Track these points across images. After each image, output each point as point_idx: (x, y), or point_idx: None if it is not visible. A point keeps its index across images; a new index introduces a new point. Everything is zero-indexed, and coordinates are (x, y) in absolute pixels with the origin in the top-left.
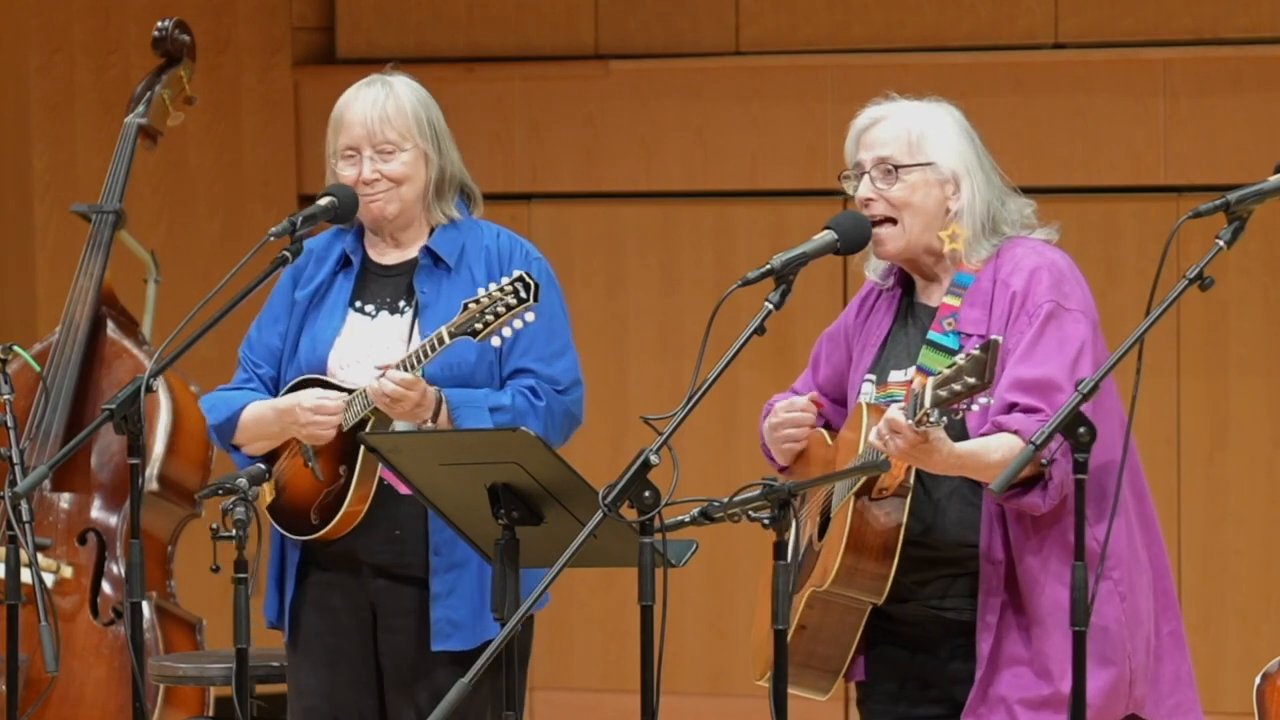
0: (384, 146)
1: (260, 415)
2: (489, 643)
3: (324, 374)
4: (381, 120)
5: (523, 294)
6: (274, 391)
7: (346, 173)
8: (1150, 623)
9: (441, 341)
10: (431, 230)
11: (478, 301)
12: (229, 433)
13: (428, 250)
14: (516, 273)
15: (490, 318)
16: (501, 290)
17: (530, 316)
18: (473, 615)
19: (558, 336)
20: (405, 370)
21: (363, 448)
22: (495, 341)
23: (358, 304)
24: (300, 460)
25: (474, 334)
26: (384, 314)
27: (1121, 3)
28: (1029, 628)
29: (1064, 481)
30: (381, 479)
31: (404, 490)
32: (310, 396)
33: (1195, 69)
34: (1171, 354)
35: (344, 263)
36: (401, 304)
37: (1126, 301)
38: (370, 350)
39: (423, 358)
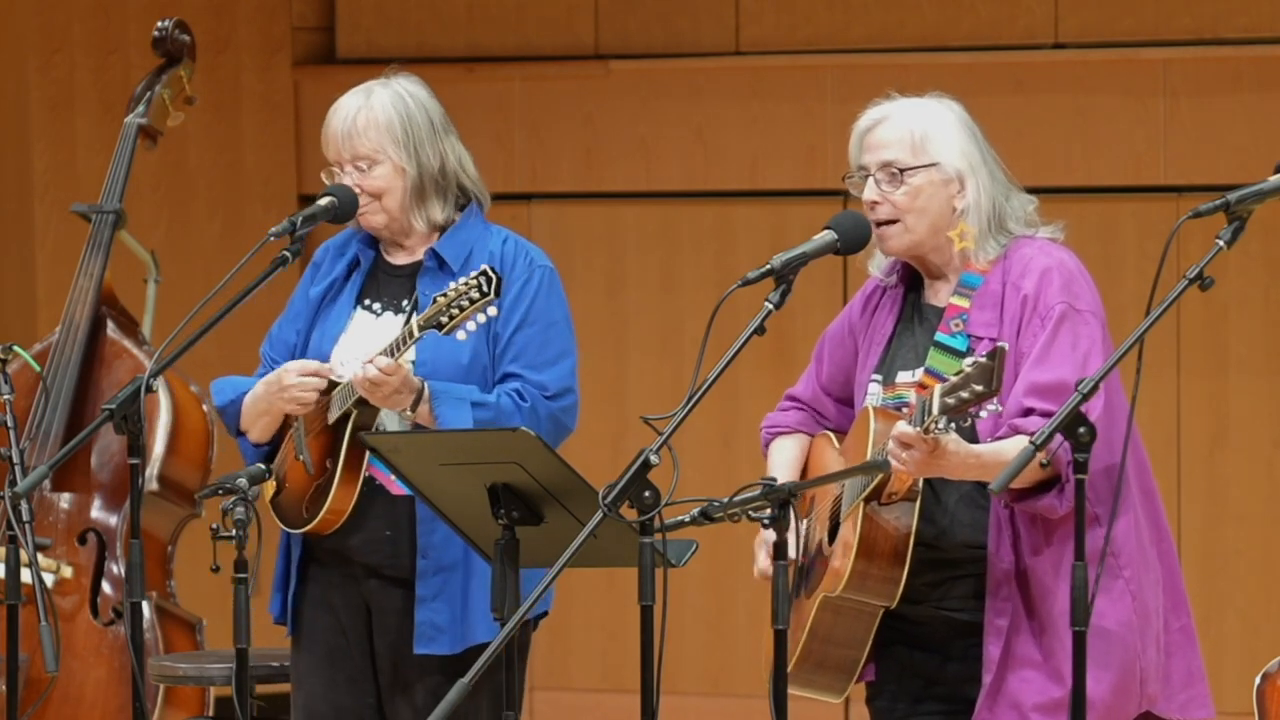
0: (359, 163)
1: (254, 393)
2: (473, 648)
3: None
4: (349, 135)
5: (484, 288)
6: None
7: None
8: (1160, 620)
9: (412, 335)
10: (442, 231)
11: (445, 295)
12: (234, 415)
13: (433, 253)
14: (482, 266)
15: (455, 311)
16: (466, 284)
17: (493, 311)
18: (456, 620)
19: (552, 345)
20: (388, 357)
21: (345, 442)
22: (460, 335)
23: (366, 302)
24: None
25: (439, 327)
26: (389, 313)
27: (1121, 3)
28: (1041, 631)
29: None
30: (372, 478)
31: (396, 491)
32: (295, 363)
33: (1195, 69)
34: (1171, 354)
35: (357, 261)
36: (404, 304)
37: (1126, 301)
38: (367, 347)
39: (397, 349)
